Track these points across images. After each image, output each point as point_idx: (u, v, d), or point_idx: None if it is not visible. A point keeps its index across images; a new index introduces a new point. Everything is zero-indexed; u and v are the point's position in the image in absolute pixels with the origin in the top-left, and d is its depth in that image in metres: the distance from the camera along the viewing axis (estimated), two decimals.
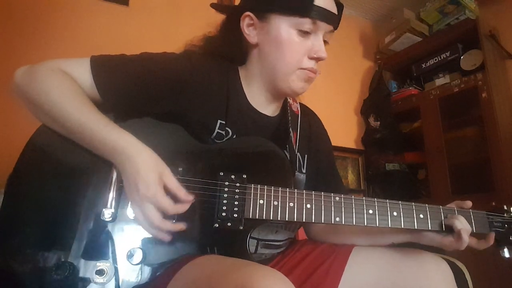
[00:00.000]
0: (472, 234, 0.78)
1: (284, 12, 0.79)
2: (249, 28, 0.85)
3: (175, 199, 0.66)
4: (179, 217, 0.67)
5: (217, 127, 0.80)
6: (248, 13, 0.84)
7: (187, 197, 0.67)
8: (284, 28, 0.80)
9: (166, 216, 0.65)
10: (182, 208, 0.66)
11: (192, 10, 2.10)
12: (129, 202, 0.68)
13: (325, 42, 0.84)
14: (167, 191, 0.66)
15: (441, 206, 0.79)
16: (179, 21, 2.06)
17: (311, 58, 0.81)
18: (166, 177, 0.66)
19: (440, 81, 2.33)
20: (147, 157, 0.66)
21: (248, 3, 0.86)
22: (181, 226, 0.66)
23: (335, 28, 0.84)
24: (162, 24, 2.03)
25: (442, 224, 0.77)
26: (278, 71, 0.82)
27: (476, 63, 2.15)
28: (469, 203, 0.81)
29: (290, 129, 0.90)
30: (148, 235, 0.68)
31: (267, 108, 0.89)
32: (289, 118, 0.92)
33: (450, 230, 0.76)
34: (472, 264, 1.12)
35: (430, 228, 0.77)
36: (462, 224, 0.74)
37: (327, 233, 0.93)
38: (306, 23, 0.79)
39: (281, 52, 0.81)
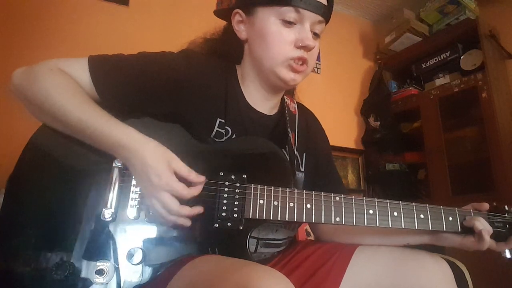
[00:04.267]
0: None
1: (267, 3, 0.79)
2: (239, 25, 0.86)
3: (187, 183, 0.67)
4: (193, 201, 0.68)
5: (216, 126, 0.80)
6: (237, 10, 0.85)
7: (198, 179, 0.68)
8: (268, 19, 0.79)
9: (181, 202, 0.66)
10: (197, 190, 0.68)
11: (192, 10, 2.10)
12: (144, 197, 0.68)
13: (316, 34, 0.83)
14: (178, 177, 0.66)
15: (441, 207, 0.79)
16: (179, 21, 2.07)
17: (298, 47, 0.79)
18: (175, 163, 0.66)
19: (440, 81, 2.33)
20: (153, 148, 0.67)
21: (237, 0, 0.87)
22: (198, 209, 0.68)
23: (325, 17, 0.82)
24: (162, 24, 2.03)
25: (461, 226, 0.77)
26: (265, 63, 0.82)
27: (476, 63, 2.15)
28: (486, 205, 0.82)
29: (289, 130, 0.90)
30: (148, 235, 0.68)
31: (264, 106, 0.89)
32: (287, 118, 0.92)
33: (467, 231, 0.76)
34: (472, 264, 1.12)
35: (430, 228, 0.77)
36: (482, 225, 0.75)
37: (337, 233, 0.93)
38: (288, 12, 0.78)
39: (266, 43, 0.80)
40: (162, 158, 0.66)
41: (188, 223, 0.67)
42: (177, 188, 0.65)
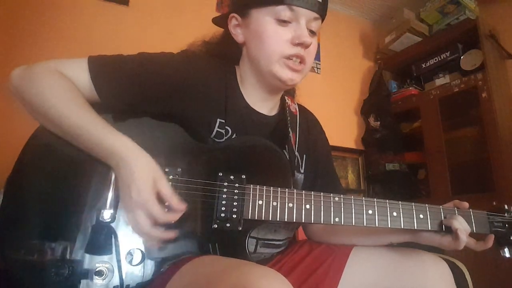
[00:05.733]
0: (472, 235, 0.77)
1: (261, 3, 0.79)
2: (235, 28, 0.86)
3: (168, 207, 0.65)
4: (175, 222, 0.66)
5: (216, 126, 0.80)
6: (232, 14, 0.85)
7: (179, 206, 0.66)
8: (263, 19, 0.80)
9: (156, 223, 0.64)
10: (173, 217, 0.65)
11: (192, 10, 2.10)
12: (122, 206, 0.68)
13: (313, 32, 0.82)
14: (160, 199, 0.65)
15: (441, 206, 0.79)
16: (179, 21, 2.07)
17: (295, 45, 0.79)
18: (160, 184, 0.65)
19: (440, 81, 2.32)
20: (143, 162, 0.66)
21: (233, 5, 0.88)
22: (171, 234, 0.65)
23: (320, 14, 0.81)
24: (162, 24, 2.03)
25: (441, 224, 0.77)
26: (262, 63, 0.82)
27: (476, 63, 2.15)
28: (465, 204, 0.81)
29: (290, 130, 0.90)
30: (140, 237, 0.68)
31: (264, 106, 0.89)
32: (288, 119, 0.92)
33: (449, 230, 0.76)
34: (472, 264, 1.12)
35: (430, 228, 0.77)
36: (460, 224, 0.74)
37: (325, 234, 0.93)
38: (283, 11, 0.78)
39: (262, 42, 0.80)
40: (149, 175, 0.64)
41: (155, 246, 0.66)
42: (153, 210, 0.63)
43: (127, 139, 0.67)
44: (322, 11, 0.82)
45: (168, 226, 0.66)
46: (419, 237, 0.80)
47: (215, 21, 0.93)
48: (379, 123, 2.52)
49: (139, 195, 0.62)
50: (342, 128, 2.58)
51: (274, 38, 0.79)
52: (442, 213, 0.78)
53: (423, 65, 2.46)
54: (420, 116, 2.39)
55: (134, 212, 0.63)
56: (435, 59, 2.39)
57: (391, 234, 0.83)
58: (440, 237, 0.77)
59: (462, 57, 2.23)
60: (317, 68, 2.58)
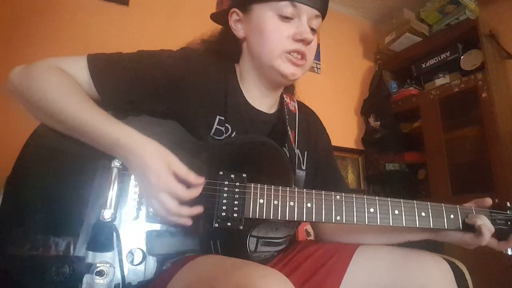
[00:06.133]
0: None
1: None
2: (236, 23, 0.86)
3: (187, 185, 0.67)
4: (196, 198, 0.68)
5: (215, 123, 0.80)
6: (233, 9, 0.86)
7: (198, 180, 0.67)
8: (265, 14, 0.80)
9: (181, 202, 0.66)
10: (196, 192, 0.67)
11: (192, 10, 2.10)
12: (143, 197, 0.68)
13: (313, 30, 0.83)
14: (177, 178, 0.66)
15: (443, 204, 0.79)
16: (179, 21, 2.06)
17: (296, 41, 0.80)
18: (174, 165, 0.66)
19: (440, 81, 2.32)
20: (152, 148, 0.66)
21: (233, 0, 0.88)
22: (198, 209, 0.67)
23: (321, 12, 0.82)
24: (162, 24, 2.02)
25: (458, 223, 0.78)
26: (264, 58, 0.82)
27: (476, 63, 2.14)
28: (489, 200, 0.83)
29: (288, 128, 0.90)
30: (148, 235, 0.68)
31: (263, 104, 0.89)
32: (286, 117, 0.92)
33: (467, 228, 0.77)
34: (472, 264, 1.12)
35: (432, 226, 0.77)
36: (483, 220, 0.76)
37: (338, 232, 0.93)
38: (285, 7, 0.78)
39: (264, 38, 0.80)
40: (162, 158, 0.65)
41: (188, 222, 0.67)
42: (175, 189, 0.64)
43: (131, 130, 0.67)
44: (323, 9, 0.82)
45: (190, 203, 0.67)
46: (439, 235, 0.81)
47: (214, 17, 0.93)
48: (379, 123, 2.52)
49: (159, 179, 0.64)
50: (342, 128, 2.57)
51: (276, 33, 0.79)
52: (444, 211, 0.78)
53: (423, 65, 2.45)
54: (420, 116, 2.39)
55: (158, 196, 0.64)
56: (435, 59, 2.38)
57: (408, 232, 0.84)
58: (462, 234, 0.78)
59: (462, 57, 2.23)
60: (317, 68, 2.58)
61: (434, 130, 2.26)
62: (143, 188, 0.67)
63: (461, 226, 0.78)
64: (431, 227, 0.77)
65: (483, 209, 0.82)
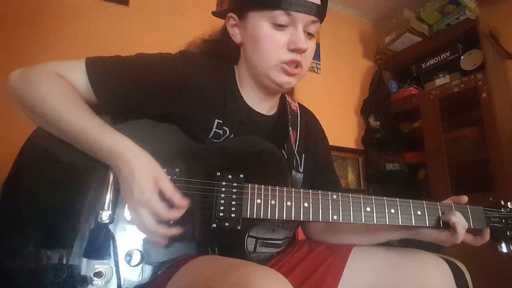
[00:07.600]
0: (470, 231, 0.78)
1: (258, 7, 0.79)
2: (233, 28, 0.86)
3: (170, 205, 0.65)
4: (179, 219, 0.66)
5: (214, 126, 0.80)
6: (230, 14, 0.85)
7: (182, 203, 0.66)
8: (259, 23, 0.79)
9: (160, 221, 0.64)
10: (177, 213, 0.65)
11: (192, 10, 2.10)
12: (126, 205, 0.68)
13: (310, 34, 0.82)
14: (163, 196, 0.65)
15: (438, 203, 0.80)
16: (179, 21, 2.07)
17: (291, 51, 0.79)
18: (162, 182, 0.65)
19: (440, 81, 2.32)
20: (143, 161, 0.65)
21: (231, 4, 0.87)
22: (176, 230, 0.66)
23: (318, 17, 0.80)
24: (162, 24, 2.03)
25: (439, 221, 0.78)
26: (258, 67, 0.82)
27: (476, 63, 2.14)
28: (464, 198, 0.82)
29: (290, 128, 0.90)
30: (146, 237, 0.68)
31: (262, 106, 0.89)
32: (289, 117, 0.92)
33: (447, 226, 0.77)
34: (472, 264, 1.12)
35: (428, 225, 0.77)
36: (457, 218, 0.75)
37: (324, 233, 0.93)
38: (279, 16, 0.77)
39: (258, 47, 0.80)
40: (150, 174, 0.64)
41: (162, 242, 0.66)
42: (156, 208, 0.63)
43: (126, 139, 0.67)
44: (320, 14, 0.81)
45: (172, 222, 0.66)
46: (417, 233, 0.80)
47: (216, 14, 0.92)
48: (379, 123, 2.51)
49: (141, 194, 0.62)
50: (342, 128, 2.57)
51: (271, 44, 0.78)
52: (439, 209, 0.79)
53: (423, 65, 2.45)
54: (420, 116, 2.38)
55: (138, 211, 0.63)
56: (435, 59, 2.38)
57: (389, 231, 0.84)
58: (438, 232, 0.78)
59: (462, 57, 2.23)
60: (317, 68, 2.58)
61: (434, 130, 2.26)
62: (126, 199, 0.66)
63: (441, 224, 0.78)
64: (427, 225, 0.77)
65: (462, 206, 0.81)
